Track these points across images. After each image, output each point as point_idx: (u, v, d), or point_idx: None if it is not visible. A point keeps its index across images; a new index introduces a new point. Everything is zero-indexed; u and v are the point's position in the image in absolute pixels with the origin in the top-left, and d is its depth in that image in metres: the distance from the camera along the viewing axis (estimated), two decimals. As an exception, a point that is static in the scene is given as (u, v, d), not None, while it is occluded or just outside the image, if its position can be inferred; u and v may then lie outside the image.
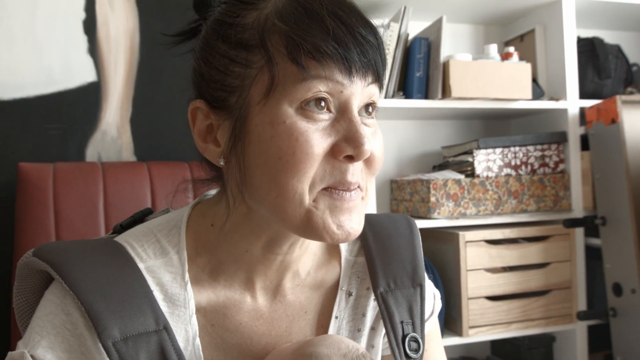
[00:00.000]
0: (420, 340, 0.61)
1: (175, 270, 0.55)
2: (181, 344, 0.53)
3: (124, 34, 1.24)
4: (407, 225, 0.69)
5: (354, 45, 0.49)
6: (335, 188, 0.51)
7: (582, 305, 1.75)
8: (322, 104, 0.50)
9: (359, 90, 0.51)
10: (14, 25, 1.18)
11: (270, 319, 0.59)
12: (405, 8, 1.66)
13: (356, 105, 0.52)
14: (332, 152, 0.50)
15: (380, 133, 0.56)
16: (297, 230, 0.51)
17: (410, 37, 1.75)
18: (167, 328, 0.51)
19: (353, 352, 0.53)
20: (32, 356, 0.49)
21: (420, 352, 0.61)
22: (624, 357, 1.65)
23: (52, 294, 0.52)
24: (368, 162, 0.53)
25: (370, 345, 0.63)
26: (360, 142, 0.49)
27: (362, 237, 0.65)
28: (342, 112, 0.51)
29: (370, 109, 0.54)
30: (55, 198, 1.03)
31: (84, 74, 1.22)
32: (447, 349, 1.91)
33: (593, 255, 1.80)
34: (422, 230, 1.76)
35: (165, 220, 0.59)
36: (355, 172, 0.52)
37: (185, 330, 0.54)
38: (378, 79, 0.53)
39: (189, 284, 0.55)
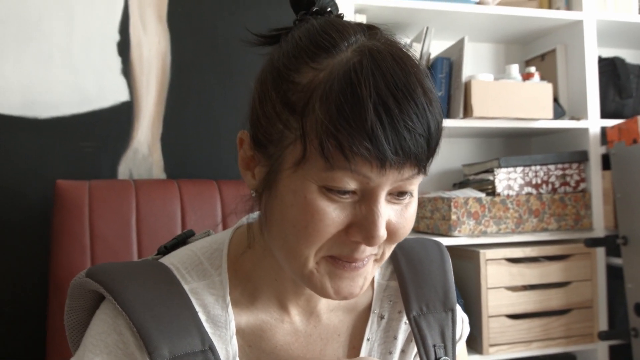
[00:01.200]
0: None
1: (217, 293, 0.57)
2: None
3: (156, 56, 1.28)
4: (438, 250, 0.71)
5: (395, 140, 0.47)
6: (340, 259, 0.51)
7: (603, 325, 1.75)
8: (345, 192, 0.49)
9: (391, 179, 0.49)
10: (51, 47, 1.22)
11: (305, 342, 0.61)
12: (427, 29, 1.68)
13: (383, 194, 0.50)
14: (346, 232, 0.50)
15: (414, 204, 0.54)
16: (301, 283, 0.54)
17: (432, 56, 1.78)
18: (212, 348, 0.53)
19: None
20: None
21: None
22: (646, 378, 1.64)
23: (104, 314, 0.55)
24: (388, 237, 0.52)
25: None
26: (372, 234, 0.49)
27: (394, 261, 0.67)
28: (366, 198, 0.50)
29: (402, 196, 0.52)
30: (91, 214, 1.07)
31: (118, 94, 1.26)
32: (467, 366, 1.91)
33: (615, 275, 1.79)
34: (443, 248, 1.77)
35: (208, 243, 0.61)
36: (366, 249, 0.51)
37: (226, 350, 0.56)
38: (418, 169, 0.50)
39: (229, 306, 0.57)
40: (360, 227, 0.49)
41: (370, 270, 0.54)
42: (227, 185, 1.21)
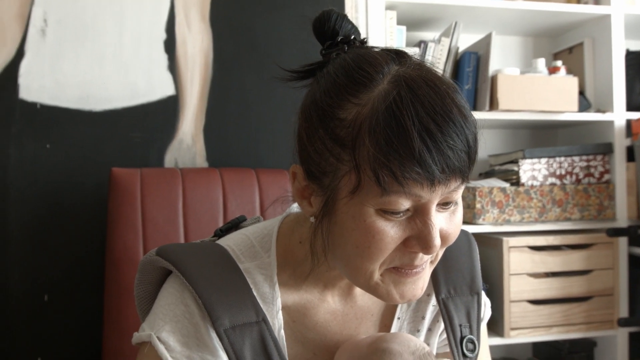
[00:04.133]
0: (476, 342, 0.70)
1: (266, 273, 0.65)
2: None
3: (200, 53, 1.38)
4: (467, 239, 0.76)
5: (440, 160, 0.51)
6: (402, 268, 0.58)
7: (623, 312, 1.80)
8: (400, 212, 0.54)
9: (439, 193, 0.54)
10: (104, 46, 1.33)
11: (342, 320, 0.68)
12: (456, 24, 1.74)
13: (434, 207, 0.55)
14: (404, 244, 0.56)
15: (460, 210, 0.60)
16: (367, 292, 0.61)
17: (461, 49, 1.84)
18: (265, 320, 0.61)
19: (420, 350, 0.63)
20: (157, 337, 0.60)
21: (476, 352, 0.70)
22: (664, 364, 1.69)
23: (172, 288, 0.63)
24: (442, 242, 0.57)
25: (427, 344, 0.73)
26: (429, 244, 0.55)
27: None
28: (419, 213, 0.55)
29: (449, 205, 0.57)
30: (142, 199, 1.18)
31: (164, 89, 1.36)
32: (490, 349, 1.98)
33: (637, 264, 1.83)
34: (467, 235, 1.84)
35: (259, 228, 0.70)
36: (424, 256, 0.58)
37: (272, 323, 0.64)
38: (464, 178, 0.55)
39: (276, 285, 0.64)
40: (418, 239, 0.55)
41: (428, 272, 0.61)
42: (264, 173, 1.30)
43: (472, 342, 0.70)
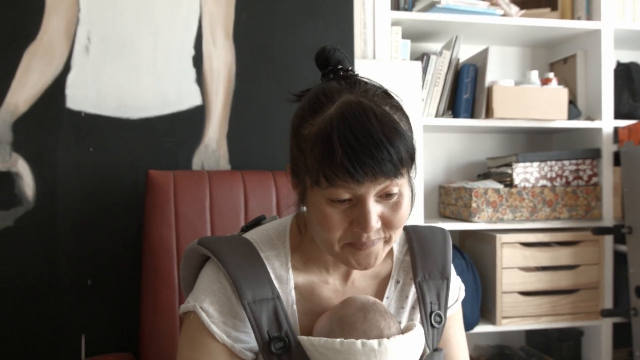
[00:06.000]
0: (442, 316, 0.86)
1: (282, 260, 0.82)
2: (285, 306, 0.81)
3: (224, 67, 1.55)
4: (442, 234, 0.93)
5: (361, 167, 0.67)
6: (354, 243, 0.74)
7: (608, 304, 1.95)
8: (342, 200, 0.71)
9: (372, 188, 0.70)
10: (139, 61, 1.50)
11: (342, 297, 0.84)
12: (456, 37, 1.89)
13: (371, 197, 0.71)
14: (350, 225, 0.72)
15: (406, 201, 0.74)
16: (333, 257, 0.79)
17: (462, 60, 1.99)
18: (279, 297, 0.78)
19: (366, 303, 0.78)
20: (200, 307, 0.77)
21: (442, 324, 0.86)
22: (643, 352, 1.85)
23: (210, 270, 0.81)
24: (386, 226, 0.74)
25: (410, 319, 0.88)
26: (366, 226, 0.70)
27: (409, 242, 0.90)
28: (359, 202, 0.71)
29: (390, 196, 0.72)
30: (175, 198, 1.35)
31: (192, 99, 1.53)
32: (484, 335, 2.15)
33: (622, 260, 1.98)
34: (464, 231, 2.04)
35: (276, 225, 0.87)
36: (370, 235, 0.73)
37: (286, 299, 0.81)
38: (392, 178, 0.70)
39: (290, 269, 0.81)
40: (358, 222, 0.72)
41: (382, 248, 0.76)
42: (280, 175, 1.47)
43: (440, 316, 0.86)
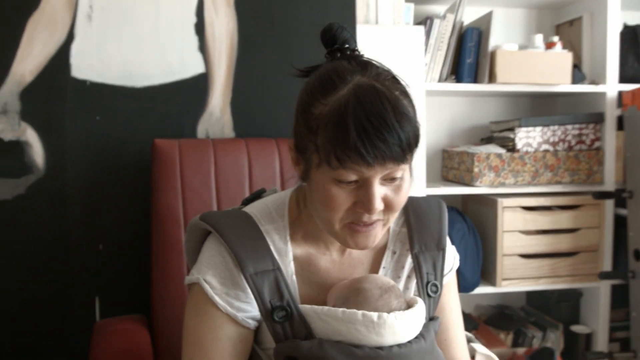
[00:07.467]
0: (438, 286, 0.89)
1: (281, 233, 0.84)
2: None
3: (226, 34, 1.55)
4: (438, 206, 0.95)
5: (373, 149, 0.69)
6: (354, 224, 0.76)
7: (607, 266, 1.99)
8: (349, 182, 0.73)
9: (379, 172, 0.72)
10: (142, 29, 1.51)
11: (339, 267, 0.88)
12: (460, 0, 1.87)
13: (377, 180, 0.73)
14: (354, 206, 0.74)
15: (406, 185, 0.76)
16: (331, 237, 0.81)
17: (466, 23, 1.97)
18: (279, 269, 0.81)
19: (385, 284, 0.82)
20: (204, 279, 0.81)
21: (438, 294, 0.89)
22: (639, 313, 1.90)
23: (212, 243, 0.84)
24: (386, 209, 0.76)
25: (406, 287, 0.91)
26: (370, 207, 0.73)
27: (406, 214, 0.92)
28: (364, 184, 0.73)
29: (394, 180, 0.74)
30: (181, 166, 1.38)
31: (196, 67, 1.54)
32: (484, 296, 2.21)
33: (622, 224, 2.01)
34: (466, 195, 2.07)
35: (275, 198, 0.89)
36: (371, 217, 0.75)
37: (286, 270, 0.84)
38: (399, 163, 0.72)
39: (289, 242, 0.84)
40: (362, 203, 0.74)
41: (380, 230, 0.78)
42: (283, 142, 1.50)
43: (435, 285, 0.89)
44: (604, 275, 1.93)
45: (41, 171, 1.46)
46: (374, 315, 0.77)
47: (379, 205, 0.74)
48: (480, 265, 1.93)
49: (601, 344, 2.03)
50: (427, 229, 0.91)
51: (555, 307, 2.11)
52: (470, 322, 2.02)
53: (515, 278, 1.93)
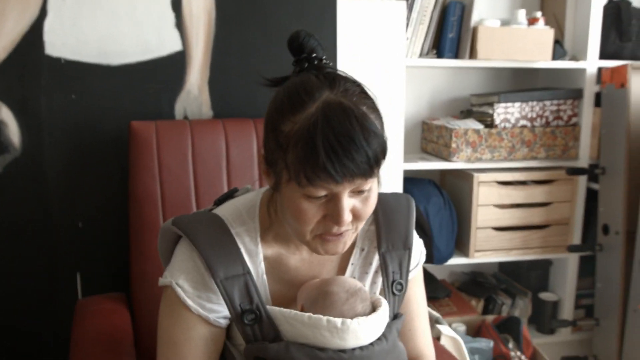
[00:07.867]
0: (403, 284, 0.94)
1: (251, 235, 0.87)
2: (255, 279, 0.88)
3: (203, 11, 1.52)
4: (407, 204, 0.98)
5: (341, 168, 0.71)
6: (325, 235, 0.79)
7: (577, 239, 2.06)
8: (318, 197, 0.74)
9: (348, 187, 0.74)
10: (118, 6, 1.47)
11: (309, 265, 0.92)
12: (444, -27, 1.84)
13: (345, 194, 0.75)
14: (324, 218, 0.77)
15: (374, 194, 0.79)
16: (302, 244, 0.84)
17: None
18: (249, 272, 0.85)
19: (353, 287, 0.86)
20: (176, 283, 0.84)
21: (403, 292, 0.94)
22: (604, 284, 1.98)
23: (184, 248, 0.86)
24: (355, 219, 0.79)
25: (374, 282, 0.95)
26: (339, 220, 0.75)
27: (375, 212, 0.94)
28: (333, 198, 0.75)
29: (362, 192, 0.77)
30: (158, 148, 1.39)
31: (173, 45, 1.52)
32: (458, 266, 2.28)
33: (594, 198, 2.06)
34: (443, 170, 2.09)
35: (247, 200, 0.91)
36: (340, 228, 0.78)
37: (257, 270, 0.87)
38: (367, 178, 0.74)
39: (259, 243, 0.87)
40: (332, 216, 0.76)
41: (349, 237, 0.82)
42: (261, 122, 1.49)
43: (400, 284, 0.93)
44: (572, 249, 2.00)
45: (17, 150, 1.46)
46: (338, 321, 0.81)
47: (347, 217, 0.77)
48: (454, 237, 1.99)
49: (567, 311, 2.13)
50: (395, 227, 0.94)
51: (525, 275, 2.20)
52: (444, 290, 2.10)
53: (487, 250, 2.00)
